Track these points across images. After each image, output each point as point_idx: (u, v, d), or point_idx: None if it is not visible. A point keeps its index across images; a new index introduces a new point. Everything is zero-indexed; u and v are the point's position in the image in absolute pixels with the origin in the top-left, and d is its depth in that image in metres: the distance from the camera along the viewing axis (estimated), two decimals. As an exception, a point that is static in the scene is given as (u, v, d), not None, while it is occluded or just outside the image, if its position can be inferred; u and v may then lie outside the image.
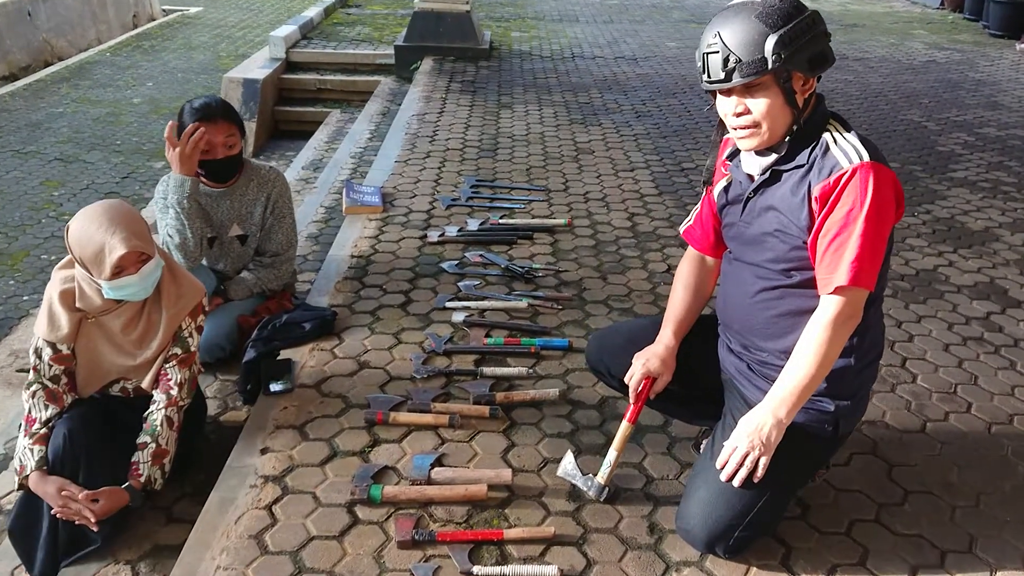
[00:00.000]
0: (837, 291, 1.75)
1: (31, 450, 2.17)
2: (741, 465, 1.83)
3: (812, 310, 1.84)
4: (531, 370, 2.75)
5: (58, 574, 2.16)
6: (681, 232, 2.21)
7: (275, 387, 2.62)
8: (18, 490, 2.20)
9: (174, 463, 2.35)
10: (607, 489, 2.15)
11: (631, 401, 2.12)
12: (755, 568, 1.98)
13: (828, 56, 1.77)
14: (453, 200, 4.22)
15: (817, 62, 1.75)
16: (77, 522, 2.11)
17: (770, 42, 1.69)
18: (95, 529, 2.10)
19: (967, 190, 4.68)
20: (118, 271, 2.16)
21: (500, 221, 3.97)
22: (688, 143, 5.40)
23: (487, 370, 2.73)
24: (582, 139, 5.39)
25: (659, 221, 4.08)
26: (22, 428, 2.24)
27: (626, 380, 2.14)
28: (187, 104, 2.90)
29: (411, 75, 7.18)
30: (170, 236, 2.84)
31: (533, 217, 4.07)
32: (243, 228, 3.03)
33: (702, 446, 2.40)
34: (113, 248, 2.14)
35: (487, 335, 2.95)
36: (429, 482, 2.21)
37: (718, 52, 1.73)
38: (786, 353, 1.91)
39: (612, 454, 2.12)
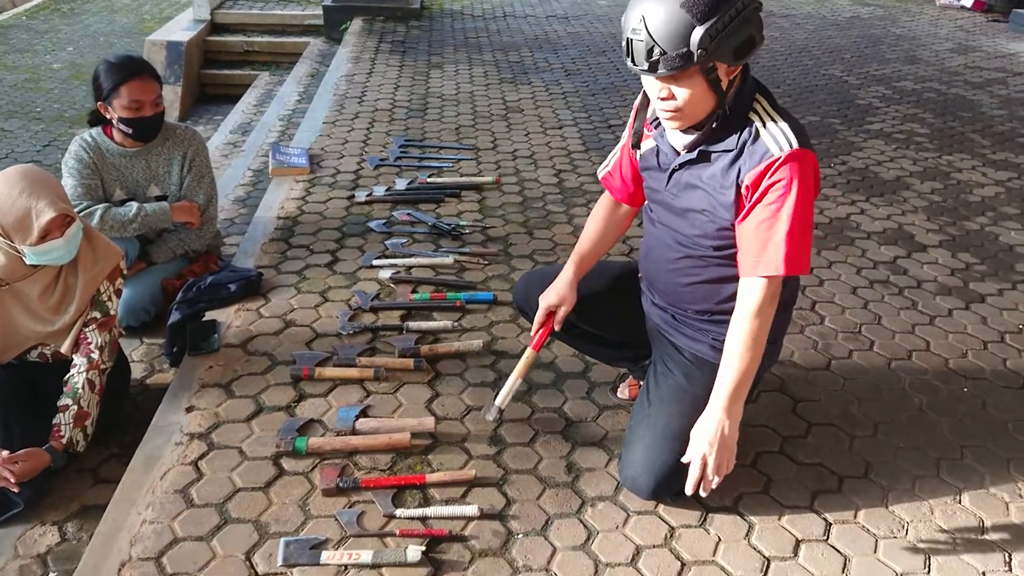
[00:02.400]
0: (772, 274, 1.78)
1: (-54, 417, 2.16)
2: (715, 472, 1.82)
3: (735, 277, 1.91)
4: (456, 324, 2.81)
5: (-17, 538, 2.16)
6: (599, 177, 2.26)
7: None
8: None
9: (100, 426, 2.36)
10: (501, 412, 2.17)
11: (534, 332, 2.19)
12: (668, 498, 2.07)
13: (756, 41, 1.73)
14: (381, 160, 4.23)
15: (744, 50, 1.71)
16: (-1, 486, 2.11)
17: (696, 35, 1.64)
18: (16, 491, 2.11)
19: (882, 141, 4.85)
20: (44, 235, 2.15)
21: (428, 180, 3.99)
22: (616, 100, 5.46)
23: (413, 325, 2.78)
24: (511, 98, 5.41)
25: (585, 177, 4.14)
26: (-62, 395, 2.22)
27: (534, 324, 2.22)
28: (104, 63, 2.84)
29: (341, 36, 7.08)
30: (102, 220, 2.81)
31: (461, 176, 4.10)
32: (161, 188, 3.00)
33: (619, 390, 2.50)
34: (41, 212, 2.12)
35: (413, 291, 3.00)
36: (354, 433, 2.26)
37: (642, 40, 1.69)
38: (710, 312, 2.02)
39: (513, 378, 2.15)
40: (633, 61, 1.73)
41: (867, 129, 5.06)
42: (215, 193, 3.17)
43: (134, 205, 2.91)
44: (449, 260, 3.22)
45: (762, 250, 1.78)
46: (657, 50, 1.68)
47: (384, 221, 3.54)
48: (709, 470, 1.81)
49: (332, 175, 4.06)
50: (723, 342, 2.01)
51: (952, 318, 2.99)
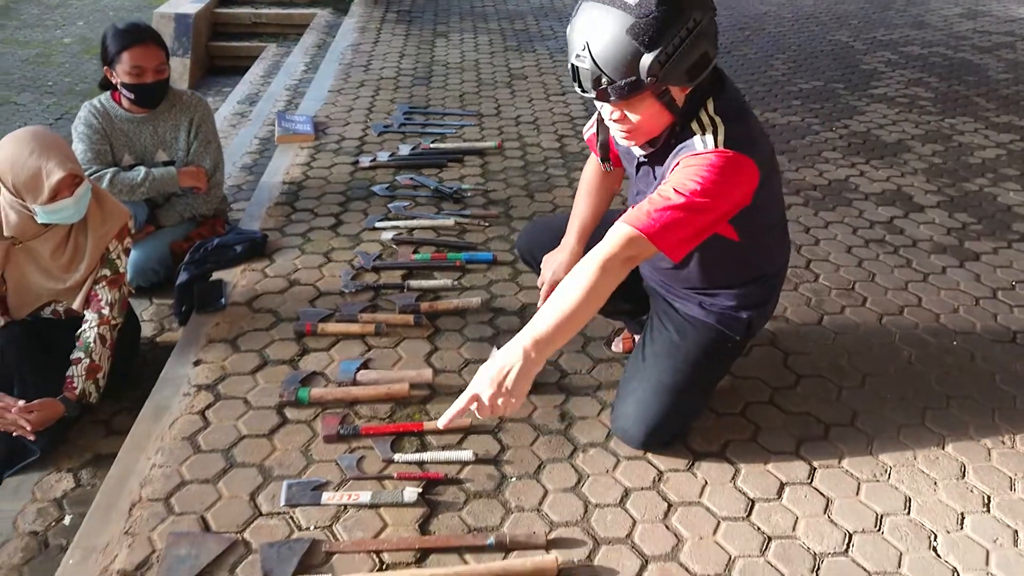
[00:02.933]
0: (636, 230, 1.69)
1: (-36, 368, 2.25)
2: (488, 410, 1.63)
3: (724, 256, 1.96)
4: (456, 282, 2.87)
5: (1, 484, 2.26)
6: (585, 138, 2.30)
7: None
8: (-45, 407, 2.28)
9: (112, 380, 2.45)
10: None
11: (541, 300, 2.25)
12: (658, 448, 2.14)
13: (710, 57, 1.66)
14: (385, 127, 4.28)
15: (697, 69, 1.65)
16: (14, 433, 2.20)
17: (644, 63, 1.58)
18: (32, 439, 2.20)
19: (885, 105, 4.85)
20: (54, 195, 2.22)
21: (431, 146, 4.04)
22: (620, 67, 5.46)
23: (414, 283, 2.85)
24: (516, 65, 5.43)
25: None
26: (-44, 349, 2.32)
27: (538, 284, 2.29)
28: (111, 27, 2.90)
29: (347, 6, 7.10)
30: (111, 184, 2.88)
31: (464, 141, 4.15)
32: (168, 154, 3.07)
33: (614, 343, 2.56)
34: (51, 172, 2.20)
35: (415, 252, 3.06)
36: (355, 384, 2.34)
37: (588, 68, 1.62)
38: (697, 289, 2.08)
39: None
40: (580, 87, 1.68)
41: (871, 93, 5.06)
42: (221, 159, 3.24)
43: (142, 170, 2.98)
44: (450, 222, 3.28)
45: (643, 208, 1.72)
46: (604, 78, 1.62)
47: (387, 185, 3.60)
48: (479, 406, 1.62)
49: (337, 142, 4.11)
50: (714, 305, 2.08)
51: (945, 275, 3.03)
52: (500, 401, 1.60)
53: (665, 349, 2.12)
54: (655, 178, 1.92)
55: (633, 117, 1.75)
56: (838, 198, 3.63)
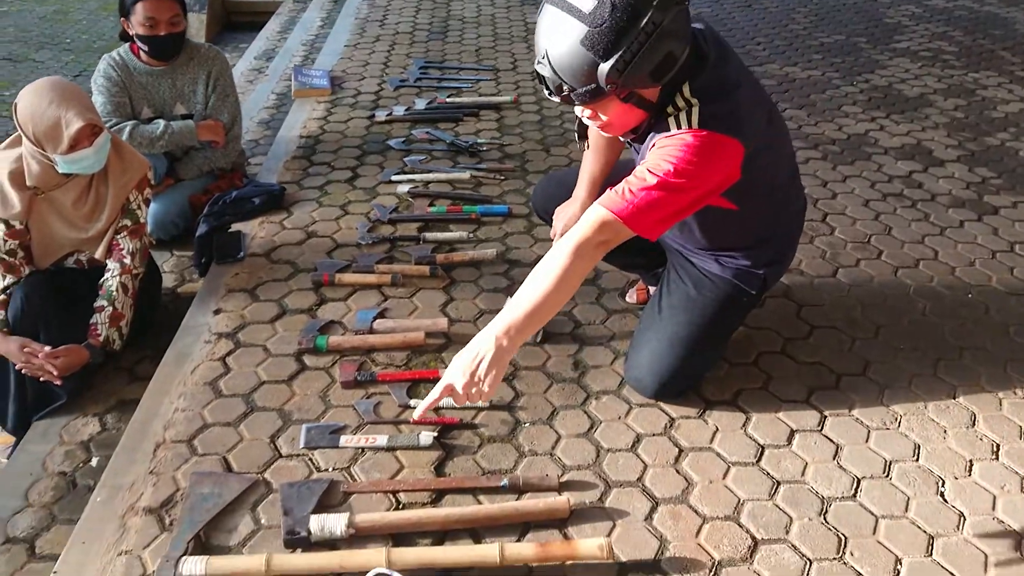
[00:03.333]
0: (610, 212, 1.68)
1: (-8, 315, 2.31)
2: (464, 395, 1.61)
3: (727, 223, 1.96)
4: (472, 235, 2.89)
5: (30, 428, 2.33)
6: None
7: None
8: (-15, 355, 2.35)
9: (134, 328, 2.50)
10: (540, 332, 2.32)
11: None
12: (670, 398, 2.17)
13: (676, 55, 1.61)
14: (401, 81, 4.27)
15: (663, 69, 1.61)
16: (42, 379, 2.26)
17: (602, 72, 1.56)
18: (59, 384, 2.26)
19: (908, 59, 4.78)
20: (73, 145, 2.25)
21: (447, 100, 4.04)
22: (639, 21, 5.40)
23: (429, 235, 2.87)
24: (532, 19, 5.35)
25: (604, 96, 4.15)
26: (-17, 297, 2.37)
27: (551, 236, 2.31)
28: None
29: (363, -39, 7.02)
30: (131, 137, 2.91)
31: (480, 96, 4.13)
32: (187, 107, 3.09)
33: (628, 294, 2.58)
34: (70, 122, 2.22)
35: (431, 205, 3.08)
36: (371, 332, 2.37)
37: (549, 76, 1.62)
38: (710, 250, 2.09)
39: None
40: (547, 90, 1.67)
41: (893, 47, 4.97)
42: (239, 112, 3.25)
43: (161, 123, 3.00)
44: (466, 175, 3.28)
45: (619, 190, 1.70)
46: (565, 86, 1.62)
47: (403, 139, 3.61)
48: (454, 396, 1.62)
49: (353, 96, 4.11)
50: (729, 262, 2.08)
51: (963, 229, 3.01)
52: (473, 390, 1.60)
53: (681, 302, 2.13)
54: (638, 155, 1.92)
55: (602, 114, 1.74)
56: (857, 152, 3.60)
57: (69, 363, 2.27)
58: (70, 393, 2.34)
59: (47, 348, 2.24)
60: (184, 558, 1.65)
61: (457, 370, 1.61)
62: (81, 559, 1.71)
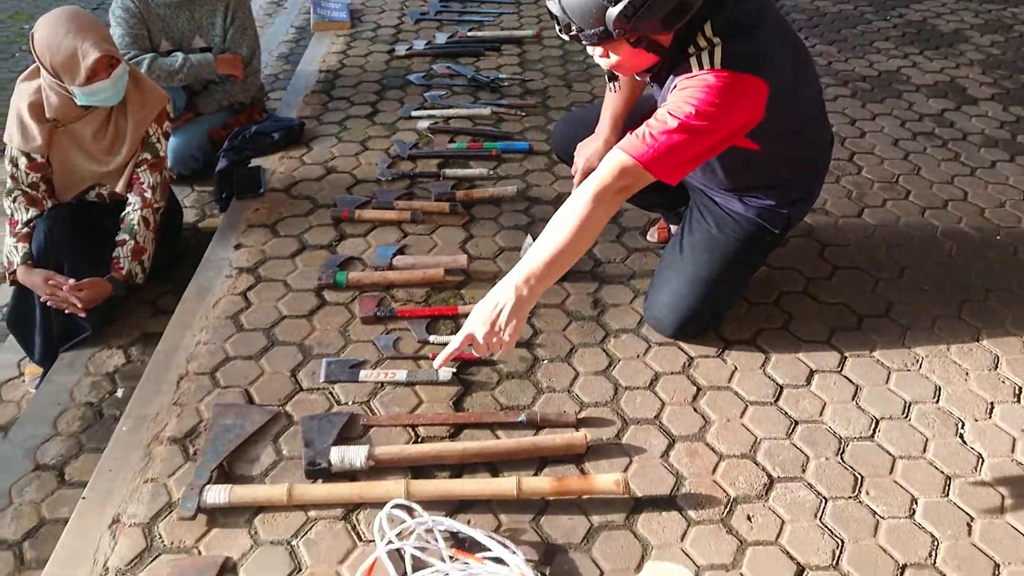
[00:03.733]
0: (631, 157, 1.65)
1: (16, 247, 2.33)
2: (485, 345, 1.60)
3: (750, 164, 1.92)
4: (492, 171, 2.86)
5: (57, 359, 2.37)
6: None
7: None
8: (10, 285, 2.38)
9: (157, 263, 2.52)
10: None
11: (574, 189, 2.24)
12: (689, 338, 2.16)
13: (688, 5, 1.58)
14: (422, 15, 4.19)
15: (673, 19, 1.58)
16: (67, 311, 2.29)
17: (610, 16, 1.54)
18: (83, 316, 2.29)
19: (944, -7, 4.62)
20: (91, 76, 2.23)
21: (468, 34, 3.96)
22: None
23: (449, 172, 2.84)
24: (556, -49, 5.22)
25: (628, 30, 4.05)
26: (7, 231, 2.39)
27: (572, 172, 2.28)
28: None
29: None
30: (149, 70, 2.88)
31: (502, 29, 4.05)
32: (205, 40, 3.05)
33: (649, 233, 2.56)
34: (87, 53, 2.20)
35: (451, 141, 3.05)
36: (391, 268, 2.37)
37: (558, 15, 1.61)
38: (735, 190, 2.05)
39: None
40: (558, 29, 1.65)
41: (930, -20, 4.80)
42: (258, 46, 3.21)
43: (180, 56, 2.97)
44: (487, 111, 3.24)
45: (639, 134, 1.68)
46: (574, 27, 1.61)
47: (423, 74, 3.56)
48: (475, 345, 1.61)
49: (373, 30, 4.05)
50: (753, 201, 2.05)
51: (995, 169, 2.94)
52: (494, 340, 1.59)
53: (703, 242, 2.11)
54: (659, 95, 1.88)
55: (614, 56, 1.71)
56: (887, 90, 3.51)
57: (93, 296, 2.29)
58: (95, 325, 2.37)
59: (71, 281, 2.27)
60: (208, 486, 1.69)
61: (477, 320, 1.60)
62: (108, 486, 1.76)
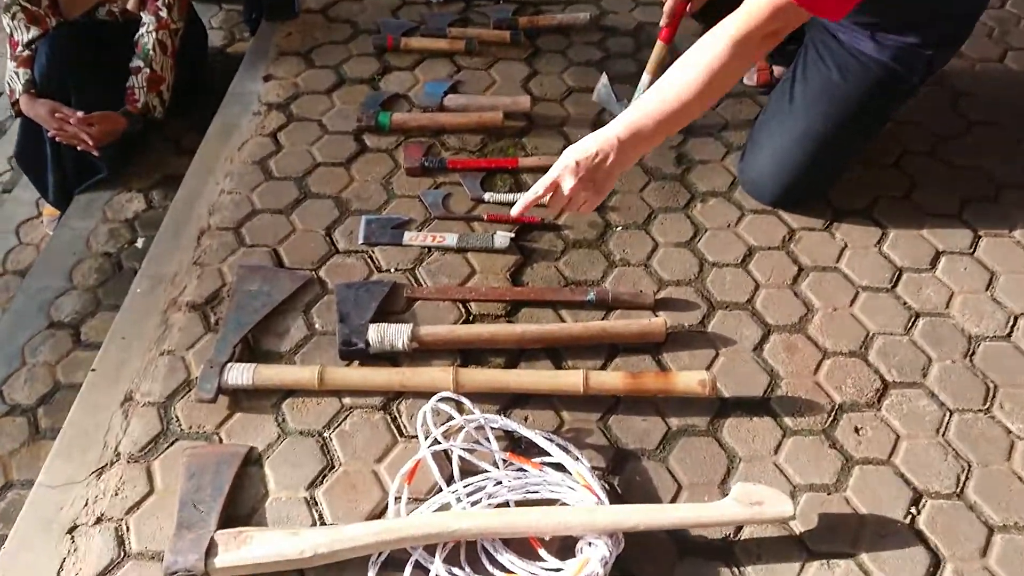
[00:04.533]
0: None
1: (16, 73, 2.06)
2: (569, 197, 1.39)
3: None
4: (561, -7, 2.45)
5: (72, 201, 2.14)
6: None
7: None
8: (15, 117, 2.12)
9: (177, 93, 2.23)
10: None
11: (664, 19, 1.85)
12: (791, 207, 1.83)
13: None
14: None
15: None
16: (79, 148, 2.04)
17: None
18: (96, 155, 2.04)
19: None
20: None
21: None
22: None
23: (511, -7, 2.44)
24: None
25: None
26: (7, 53, 2.11)
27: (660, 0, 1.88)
28: None
29: None
30: None
31: None
32: None
33: (746, 75, 2.15)
34: None
35: (513, -45, 2.60)
36: (441, 109, 2.05)
37: None
38: (877, 20, 1.62)
39: (646, 78, 1.91)
40: None
41: None
42: None
43: None
44: (556, -81, 2.76)
45: None
46: None
47: None
48: (554, 197, 1.41)
49: None
50: (889, 39, 1.63)
51: None
52: (582, 195, 1.39)
53: (821, 90, 1.72)
54: None
55: None
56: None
57: (105, 131, 2.03)
58: (110, 165, 2.13)
59: (80, 113, 2.00)
60: (230, 364, 1.47)
61: (570, 165, 1.36)
62: (121, 356, 1.56)
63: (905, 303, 1.64)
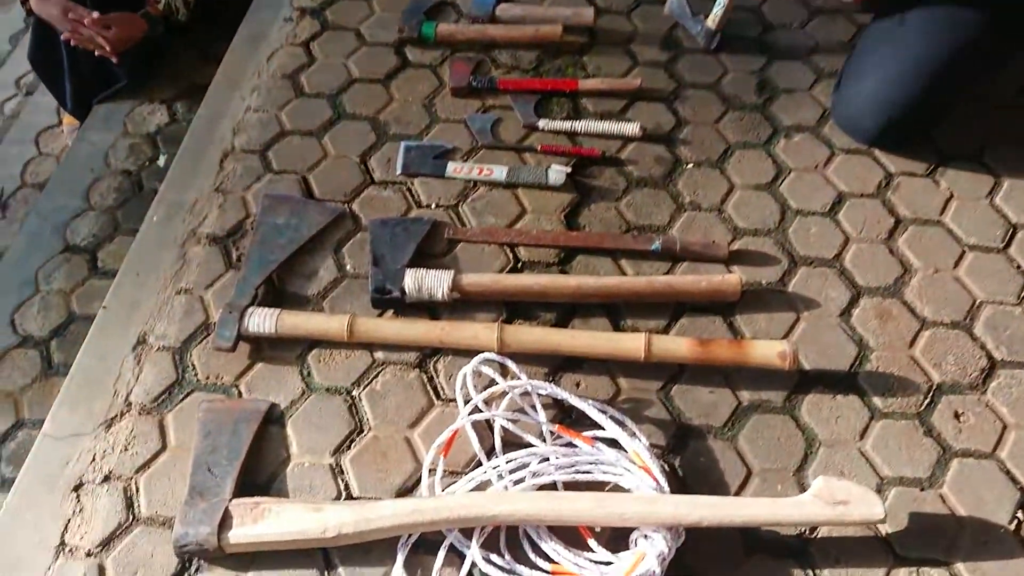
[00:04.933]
0: None
1: (27, -34, 1.86)
2: None
3: None
4: None
5: (91, 111, 1.98)
6: None
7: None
8: (27, 16, 1.94)
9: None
10: (717, 36, 1.74)
11: None
12: (891, 146, 1.59)
13: None
14: None
15: None
16: (97, 53, 1.86)
17: None
18: (115, 61, 1.86)
19: None
20: None
21: None
22: None
23: None
24: None
25: None
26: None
27: None
28: None
29: None
30: None
31: None
32: None
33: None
34: None
35: None
36: (493, 20, 1.82)
37: None
38: None
39: None
40: None
41: None
42: None
43: None
44: None
45: None
46: None
47: None
48: None
49: None
50: None
51: None
52: None
53: (937, 13, 1.46)
54: None
55: None
56: None
57: (123, 35, 1.85)
58: (130, 73, 1.95)
59: (95, 13, 1.81)
60: (252, 309, 1.33)
61: None
62: (134, 294, 1.41)
63: (1019, 267, 1.43)
